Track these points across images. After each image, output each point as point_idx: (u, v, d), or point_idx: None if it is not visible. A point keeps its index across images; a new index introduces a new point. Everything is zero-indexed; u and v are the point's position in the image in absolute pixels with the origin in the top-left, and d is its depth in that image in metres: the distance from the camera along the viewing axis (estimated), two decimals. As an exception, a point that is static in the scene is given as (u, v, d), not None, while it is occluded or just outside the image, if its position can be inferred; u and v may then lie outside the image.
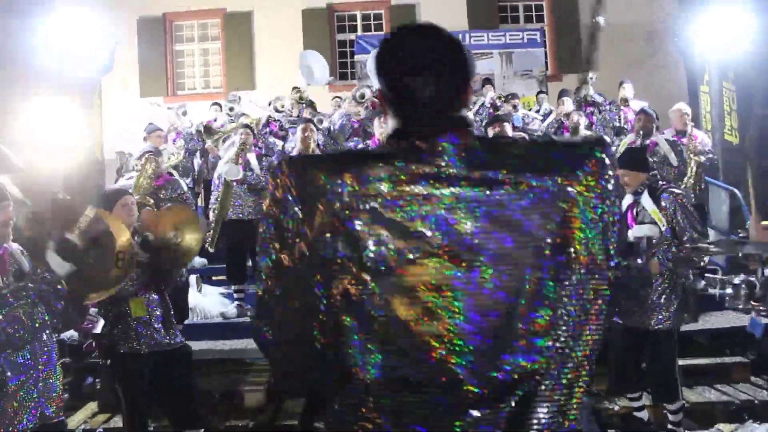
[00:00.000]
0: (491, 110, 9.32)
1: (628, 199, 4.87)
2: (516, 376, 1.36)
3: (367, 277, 1.37)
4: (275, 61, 13.27)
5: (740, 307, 4.48)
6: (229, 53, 14.12)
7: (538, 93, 11.43)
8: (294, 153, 6.78)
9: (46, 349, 3.07)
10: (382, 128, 6.88)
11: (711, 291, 4.63)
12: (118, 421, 5.46)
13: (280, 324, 1.50)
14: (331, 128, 8.76)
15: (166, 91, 13.99)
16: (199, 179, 8.89)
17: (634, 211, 4.77)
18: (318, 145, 7.31)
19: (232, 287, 7.31)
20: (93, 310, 5.41)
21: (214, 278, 8.19)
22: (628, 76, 9.54)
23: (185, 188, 7.05)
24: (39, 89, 8.45)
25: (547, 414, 1.38)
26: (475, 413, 1.35)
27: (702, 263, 4.90)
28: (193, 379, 4.63)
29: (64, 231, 2.99)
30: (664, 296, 4.60)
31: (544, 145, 1.54)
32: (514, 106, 9.54)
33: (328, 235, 1.39)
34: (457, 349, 1.34)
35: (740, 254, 4.63)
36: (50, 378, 3.08)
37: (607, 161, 1.44)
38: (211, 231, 6.87)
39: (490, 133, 6.19)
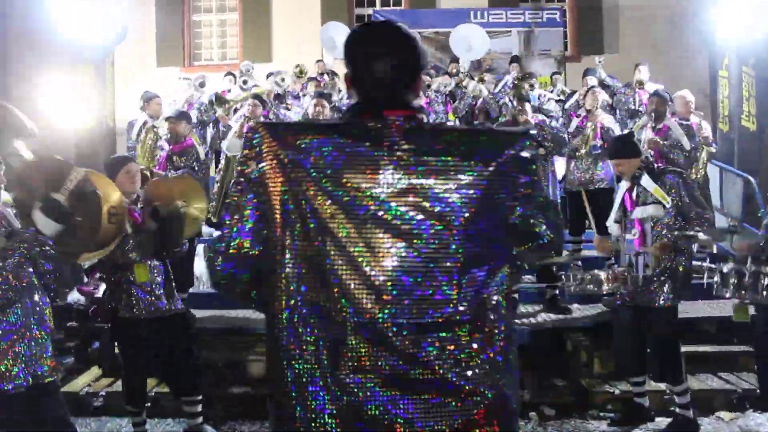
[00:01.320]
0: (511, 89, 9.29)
1: (624, 185, 4.89)
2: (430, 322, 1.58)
3: (310, 236, 1.61)
4: (293, 33, 13.21)
5: (728, 296, 4.50)
6: (247, 25, 14.06)
7: (553, 74, 11.32)
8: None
9: (38, 309, 3.10)
10: None
11: (699, 279, 4.64)
12: (120, 385, 5.52)
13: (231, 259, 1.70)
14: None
15: (182, 62, 13.97)
16: (211, 149, 8.90)
17: (633, 194, 4.78)
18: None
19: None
20: (97, 275, 5.47)
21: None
22: (649, 60, 9.39)
23: (202, 156, 6.98)
24: (53, 58, 8.48)
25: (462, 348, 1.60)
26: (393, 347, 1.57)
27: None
28: (195, 347, 4.66)
29: (51, 191, 3.00)
30: (667, 274, 4.63)
31: (474, 133, 1.77)
32: (531, 86, 9.43)
33: (283, 195, 1.62)
34: (379, 299, 1.57)
35: (730, 243, 4.65)
36: (43, 338, 3.10)
37: (524, 153, 1.67)
38: (214, 202, 6.86)
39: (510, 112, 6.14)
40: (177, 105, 8.67)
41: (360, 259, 1.58)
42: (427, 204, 1.59)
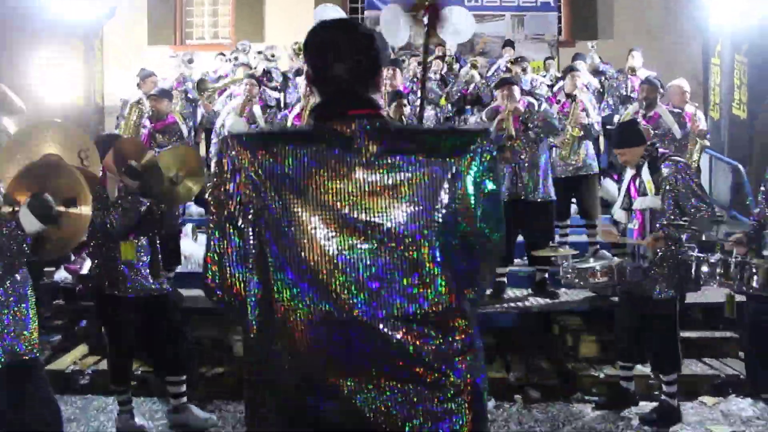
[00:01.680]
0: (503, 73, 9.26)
1: (630, 172, 4.85)
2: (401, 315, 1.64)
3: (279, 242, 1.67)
4: (285, 13, 13.08)
5: (715, 286, 4.52)
6: (239, 3, 13.92)
7: (546, 59, 11.28)
8: (297, 106, 6.67)
9: (17, 286, 3.06)
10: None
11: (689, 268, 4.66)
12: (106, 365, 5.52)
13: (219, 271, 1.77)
14: None
15: (173, 40, 13.83)
16: (199, 128, 8.84)
17: (637, 182, 4.76)
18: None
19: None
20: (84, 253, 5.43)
21: (210, 228, 8.17)
22: (644, 46, 9.37)
23: (185, 133, 6.93)
24: (41, 34, 8.38)
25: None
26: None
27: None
28: (181, 327, 4.65)
29: (43, 189, 2.94)
30: (666, 266, 4.62)
31: (437, 133, 1.90)
32: (524, 69, 9.40)
33: (251, 205, 1.69)
34: (353, 292, 1.64)
35: (716, 233, 4.68)
36: (22, 315, 3.07)
37: (480, 149, 1.73)
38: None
39: (499, 95, 6.09)
40: (168, 83, 8.59)
41: (337, 260, 1.64)
42: (398, 202, 1.66)
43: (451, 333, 1.68)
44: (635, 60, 8.67)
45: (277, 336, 1.67)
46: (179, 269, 6.70)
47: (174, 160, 4.62)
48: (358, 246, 1.64)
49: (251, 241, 1.71)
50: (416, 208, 1.66)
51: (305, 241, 1.64)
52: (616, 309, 5.24)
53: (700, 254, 4.44)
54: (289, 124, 6.37)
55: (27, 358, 3.09)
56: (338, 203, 1.65)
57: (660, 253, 4.61)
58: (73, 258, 6.02)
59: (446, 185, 1.68)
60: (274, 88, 8.76)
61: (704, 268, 4.35)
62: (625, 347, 5.02)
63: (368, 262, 1.64)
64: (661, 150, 4.89)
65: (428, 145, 1.72)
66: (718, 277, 4.29)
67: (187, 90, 8.60)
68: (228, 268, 1.73)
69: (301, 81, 8.68)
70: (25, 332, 3.07)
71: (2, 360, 2.97)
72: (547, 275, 6.52)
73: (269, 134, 1.95)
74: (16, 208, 2.87)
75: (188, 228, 7.36)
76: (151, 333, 4.41)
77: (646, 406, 5.02)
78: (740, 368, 5.51)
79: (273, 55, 9.39)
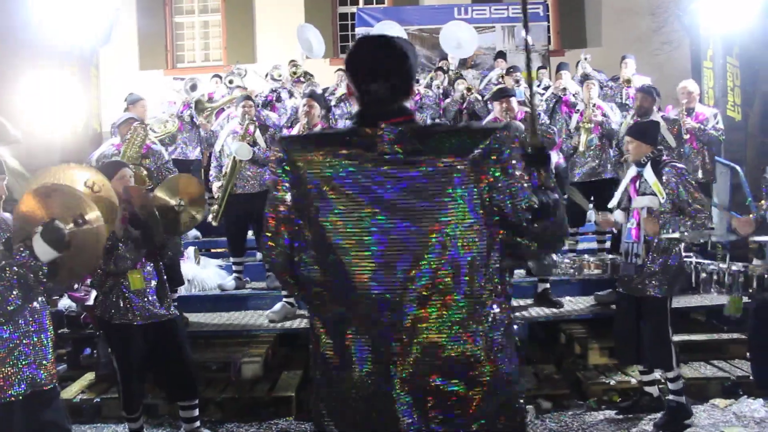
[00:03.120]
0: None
1: (632, 171, 4.95)
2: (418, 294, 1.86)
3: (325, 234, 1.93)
4: (276, 34, 13.16)
5: (714, 293, 4.61)
6: (230, 26, 14.01)
7: (539, 68, 11.35)
8: (298, 126, 6.67)
9: (36, 315, 3.06)
10: None
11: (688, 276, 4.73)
12: (115, 392, 5.47)
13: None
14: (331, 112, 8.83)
15: (165, 64, 13.90)
16: (206, 151, 8.84)
17: (637, 183, 4.83)
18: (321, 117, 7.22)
19: (231, 260, 7.30)
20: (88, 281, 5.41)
21: (212, 250, 8.19)
22: (633, 52, 9.43)
23: (167, 157, 6.89)
24: (37, 60, 8.38)
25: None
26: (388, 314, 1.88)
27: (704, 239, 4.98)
28: (189, 351, 4.62)
29: (56, 217, 2.94)
30: (659, 265, 4.70)
31: (455, 132, 1.97)
32: (516, 81, 9.45)
33: (302, 201, 1.96)
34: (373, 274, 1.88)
35: (708, 242, 4.76)
36: (42, 345, 3.06)
37: (496, 144, 1.87)
38: (217, 206, 6.78)
39: (497, 107, 6.13)
40: (175, 107, 8.58)
41: (366, 252, 1.88)
42: (419, 199, 1.86)
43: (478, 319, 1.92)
44: (628, 68, 8.71)
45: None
46: (183, 292, 6.71)
47: (177, 189, 4.63)
48: (388, 242, 1.87)
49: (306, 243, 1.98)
50: (424, 197, 1.86)
51: (340, 240, 1.90)
52: (615, 312, 5.32)
53: (699, 261, 4.52)
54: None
55: (47, 388, 3.08)
56: (367, 203, 1.88)
57: (654, 252, 4.70)
58: (76, 286, 5.98)
59: (453, 175, 1.85)
60: (268, 105, 8.78)
61: (703, 275, 4.43)
62: (622, 348, 5.06)
63: (397, 258, 1.87)
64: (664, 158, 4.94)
65: (444, 143, 1.89)
66: (715, 285, 4.38)
67: (192, 115, 8.60)
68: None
69: (293, 102, 8.71)
70: (44, 362, 3.07)
71: (23, 390, 2.96)
72: (548, 285, 6.53)
73: (315, 138, 2.16)
74: (27, 242, 2.87)
75: (190, 251, 7.35)
76: (161, 358, 4.38)
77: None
78: (749, 369, 5.52)
79: (280, 75, 9.39)
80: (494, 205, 1.89)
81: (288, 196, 1.98)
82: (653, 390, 5.09)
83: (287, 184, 1.98)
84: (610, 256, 4.89)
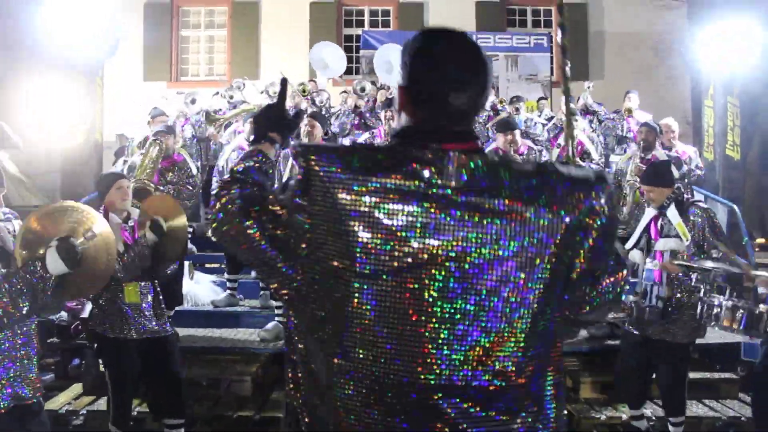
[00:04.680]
0: (491, 114, 9.35)
1: (650, 212, 4.84)
2: (494, 381, 1.42)
3: (353, 278, 1.40)
4: (281, 51, 13.24)
5: (716, 328, 4.54)
6: (235, 41, 14.08)
7: (540, 99, 11.42)
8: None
9: (25, 329, 3.04)
10: (389, 121, 6.84)
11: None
12: (102, 404, 5.42)
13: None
14: (329, 132, 8.83)
15: (169, 77, 13.94)
16: (204, 166, 8.85)
17: (659, 224, 4.75)
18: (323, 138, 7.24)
19: (225, 276, 7.27)
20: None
21: (207, 265, 8.16)
22: (633, 86, 9.51)
23: (194, 171, 6.88)
24: (43, 70, 8.42)
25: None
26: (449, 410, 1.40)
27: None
28: (181, 370, 4.59)
29: (70, 233, 2.97)
30: (685, 309, 4.60)
31: (545, 174, 1.46)
32: (517, 109, 9.50)
33: (323, 227, 1.42)
34: (437, 353, 1.39)
35: (713, 275, 4.71)
36: (27, 359, 3.04)
37: (603, 198, 1.46)
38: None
39: (501, 139, 6.15)
40: (171, 119, 8.61)
41: (396, 316, 1.40)
42: (480, 255, 1.39)
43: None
44: (632, 102, 8.77)
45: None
46: (176, 307, 6.66)
47: (159, 210, 4.53)
48: (431, 302, 1.40)
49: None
50: (507, 266, 1.40)
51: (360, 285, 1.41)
52: (621, 350, 5.15)
53: (703, 297, 4.46)
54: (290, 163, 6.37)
55: (30, 402, 3.06)
56: (405, 247, 1.38)
57: (678, 297, 4.60)
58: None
59: (544, 236, 1.41)
60: None
61: (711, 310, 4.37)
62: (631, 389, 4.97)
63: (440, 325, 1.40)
64: (687, 197, 4.91)
65: (529, 188, 1.41)
66: (714, 321, 4.32)
67: (195, 126, 8.63)
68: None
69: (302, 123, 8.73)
70: (29, 375, 3.05)
71: (7, 404, 2.93)
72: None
73: (345, 150, 1.48)
74: (40, 252, 2.89)
75: (185, 266, 7.31)
76: (151, 374, 4.35)
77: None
78: (740, 409, 5.51)
79: (275, 93, 9.46)
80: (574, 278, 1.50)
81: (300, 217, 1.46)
82: (641, 425, 5.06)
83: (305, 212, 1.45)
84: (632, 298, 4.81)
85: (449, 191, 1.38)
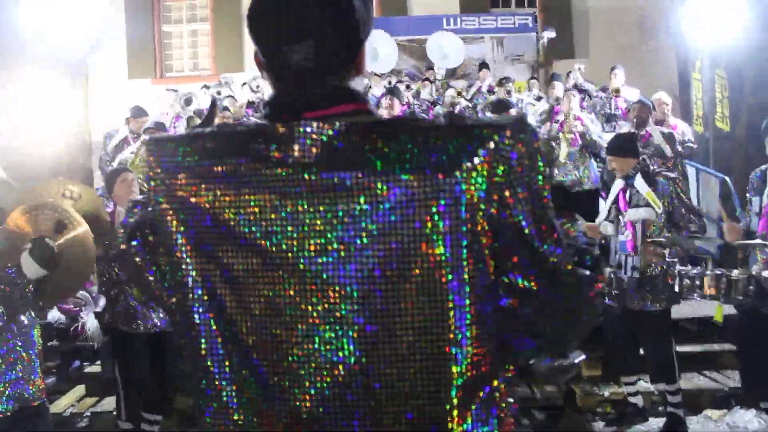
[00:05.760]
0: (487, 96, 9.33)
1: (618, 184, 4.90)
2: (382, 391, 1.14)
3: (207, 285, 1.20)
4: (265, 43, 13.14)
5: (697, 298, 4.65)
6: (218, 35, 13.95)
7: (530, 79, 11.40)
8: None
9: (24, 330, 3.03)
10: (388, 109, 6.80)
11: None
12: (105, 405, 5.43)
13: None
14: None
15: (154, 73, 13.80)
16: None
17: (627, 195, 4.80)
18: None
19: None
20: (81, 294, 5.36)
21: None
22: (620, 63, 9.50)
23: None
24: (26, 70, 8.33)
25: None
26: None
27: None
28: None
29: (46, 235, 2.93)
30: (659, 278, 4.67)
31: (431, 129, 1.13)
32: (508, 91, 9.48)
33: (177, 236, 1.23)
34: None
35: (691, 249, 4.79)
36: (30, 360, 3.04)
37: (507, 142, 1.11)
38: None
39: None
40: (166, 118, 8.54)
41: (268, 318, 1.16)
42: (349, 241, 1.11)
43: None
44: (618, 78, 8.77)
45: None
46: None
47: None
48: (304, 304, 1.14)
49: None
50: (377, 250, 1.11)
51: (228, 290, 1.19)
52: (604, 326, 5.16)
53: (681, 268, 4.56)
54: None
55: (35, 403, 3.05)
56: (272, 241, 1.14)
57: (652, 267, 4.66)
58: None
59: (423, 209, 1.09)
60: None
61: (685, 281, 4.47)
62: (619, 360, 5.09)
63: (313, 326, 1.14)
64: (653, 168, 4.97)
65: (407, 152, 1.10)
66: (697, 290, 4.41)
67: (189, 124, 8.56)
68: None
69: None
70: (33, 377, 3.04)
71: (12, 406, 2.93)
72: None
73: (194, 138, 1.23)
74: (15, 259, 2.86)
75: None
76: (158, 369, 4.40)
77: (653, 422, 5.02)
78: (741, 380, 5.55)
79: (258, 86, 9.39)
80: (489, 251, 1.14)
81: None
82: (638, 400, 5.11)
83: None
84: (609, 269, 4.89)
85: (300, 169, 1.12)
